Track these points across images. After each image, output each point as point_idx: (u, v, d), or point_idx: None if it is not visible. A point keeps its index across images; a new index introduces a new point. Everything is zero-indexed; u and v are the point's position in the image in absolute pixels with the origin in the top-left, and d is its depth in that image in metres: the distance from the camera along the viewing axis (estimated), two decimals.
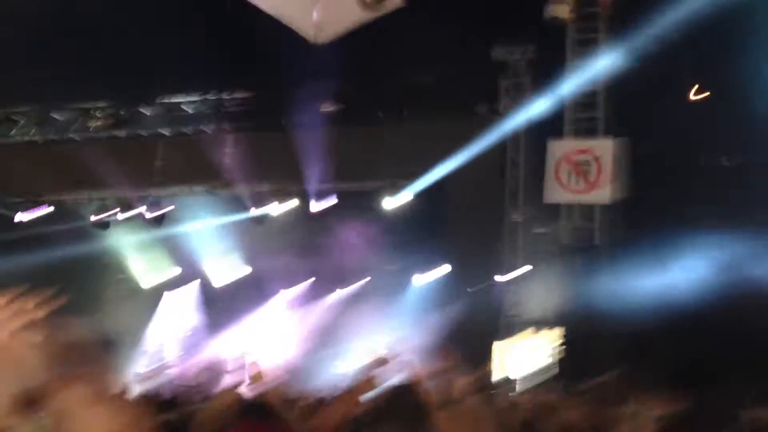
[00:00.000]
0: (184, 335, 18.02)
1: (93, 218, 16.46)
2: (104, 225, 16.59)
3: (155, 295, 18.76)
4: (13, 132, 15.68)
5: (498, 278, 13.33)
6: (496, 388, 12.24)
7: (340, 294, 17.95)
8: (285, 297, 18.32)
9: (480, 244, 13.47)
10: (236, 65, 13.27)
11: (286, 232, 16.32)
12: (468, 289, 12.95)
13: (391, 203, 14.73)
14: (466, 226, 13.50)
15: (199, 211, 16.63)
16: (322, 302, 17.85)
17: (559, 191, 11.70)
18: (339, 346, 16.18)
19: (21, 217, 16.15)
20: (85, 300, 14.38)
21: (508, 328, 13.29)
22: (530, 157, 13.21)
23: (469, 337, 12.36)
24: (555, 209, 12.60)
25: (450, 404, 3.01)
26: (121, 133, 15.55)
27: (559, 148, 11.96)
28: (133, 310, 18.01)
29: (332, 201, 15.25)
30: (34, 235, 15.57)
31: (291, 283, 18.23)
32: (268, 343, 17.23)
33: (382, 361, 3.91)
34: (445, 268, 15.89)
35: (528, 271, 13.15)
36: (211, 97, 15.05)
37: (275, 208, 15.67)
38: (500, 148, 13.34)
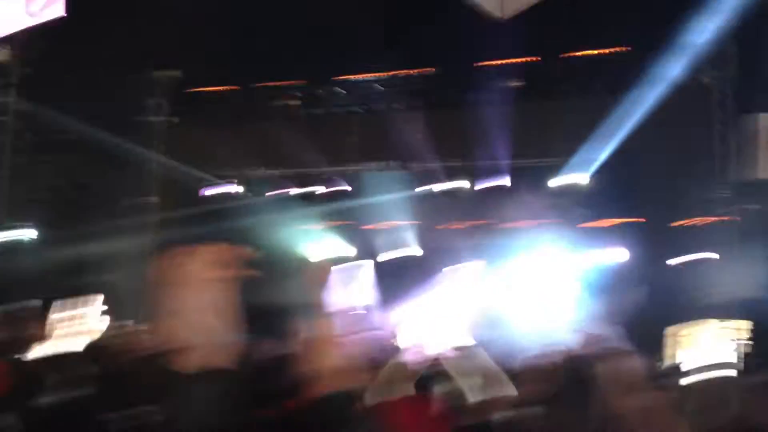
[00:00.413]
0: (356, 311, 18.54)
1: (275, 193, 17.37)
2: (288, 200, 17.51)
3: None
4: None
5: (682, 260, 12.78)
6: (668, 376, 11.68)
7: (508, 271, 17.79)
8: (456, 273, 18.41)
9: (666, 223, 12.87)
10: (418, 41, 13.43)
11: (462, 208, 16.39)
12: (668, 262, 12.31)
13: (566, 180, 14.40)
14: (654, 202, 12.91)
15: (378, 187, 16.97)
16: (492, 279, 17.77)
17: None
18: (511, 324, 16.05)
19: (207, 192, 17.01)
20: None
21: (688, 312, 12.74)
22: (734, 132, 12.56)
23: (646, 321, 11.92)
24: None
25: (634, 390, 2.93)
26: (318, 111, 16.28)
27: None
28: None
29: (505, 179, 15.16)
30: (218, 210, 16.37)
31: (462, 259, 18.30)
32: (438, 320, 17.45)
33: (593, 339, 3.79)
34: (623, 252, 15.36)
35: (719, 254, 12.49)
36: (397, 74, 15.37)
37: (455, 185, 15.79)
38: (704, 123, 12.73)
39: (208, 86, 16.60)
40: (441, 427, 2.93)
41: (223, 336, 1.66)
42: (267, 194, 17.25)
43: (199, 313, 1.61)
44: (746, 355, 11.45)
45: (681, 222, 12.98)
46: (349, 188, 16.87)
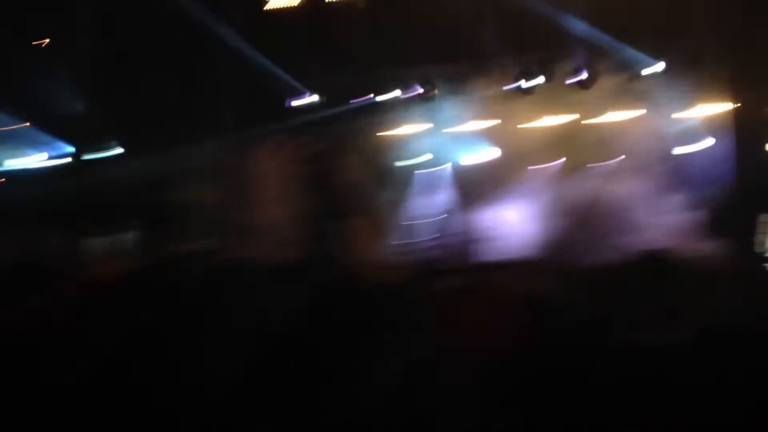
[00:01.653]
0: (438, 214, 18.37)
1: (357, 101, 17.10)
2: (371, 106, 17.25)
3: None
4: None
5: None
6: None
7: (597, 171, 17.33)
8: (537, 174, 18.07)
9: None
10: None
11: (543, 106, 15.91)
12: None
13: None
14: None
15: (455, 89, 16.55)
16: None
17: None
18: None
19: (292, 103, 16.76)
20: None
21: None
22: None
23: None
24: None
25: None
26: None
27: None
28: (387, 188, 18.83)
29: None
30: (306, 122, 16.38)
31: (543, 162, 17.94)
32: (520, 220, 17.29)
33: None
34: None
35: None
36: None
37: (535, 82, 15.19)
38: None
39: None
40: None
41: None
42: (349, 102, 17.08)
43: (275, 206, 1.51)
44: None
45: None
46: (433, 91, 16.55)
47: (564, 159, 17.77)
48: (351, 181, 14.10)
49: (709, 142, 15.66)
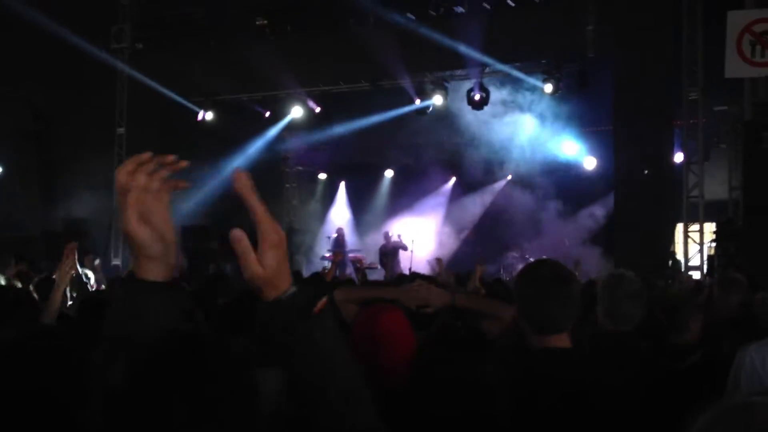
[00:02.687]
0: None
1: (267, 114, 17.08)
2: (275, 119, 17.16)
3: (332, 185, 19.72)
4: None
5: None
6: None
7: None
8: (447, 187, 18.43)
9: (655, 124, 12.68)
10: None
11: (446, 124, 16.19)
12: (645, 171, 12.30)
13: (549, 89, 14.18)
14: (635, 108, 12.68)
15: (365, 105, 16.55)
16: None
17: (741, 65, 10.67)
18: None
19: (202, 115, 16.86)
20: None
21: (690, 210, 12.83)
22: (707, 31, 12.23)
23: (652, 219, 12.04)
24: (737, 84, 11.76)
25: None
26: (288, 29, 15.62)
27: (741, 19, 10.85)
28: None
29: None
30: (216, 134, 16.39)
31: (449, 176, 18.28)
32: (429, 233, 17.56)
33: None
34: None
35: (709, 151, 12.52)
36: None
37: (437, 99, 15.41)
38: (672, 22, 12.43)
39: (172, 9, 15.94)
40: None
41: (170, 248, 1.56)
42: (267, 114, 17.12)
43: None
44: None
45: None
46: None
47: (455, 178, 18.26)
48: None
49: (591, 161, 16.37)
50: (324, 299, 1.49)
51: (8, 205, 14.45)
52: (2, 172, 15.37)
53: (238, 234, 1.44)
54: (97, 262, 9.49)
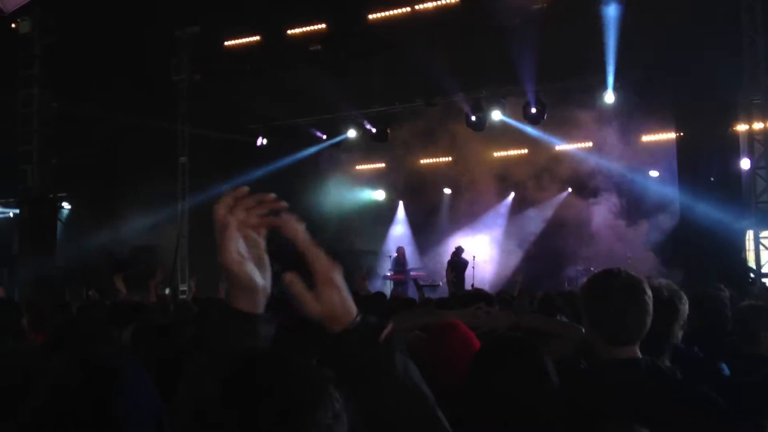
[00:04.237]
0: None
1: (324, 137, 17.33)
2: (335, 143, 17.44)
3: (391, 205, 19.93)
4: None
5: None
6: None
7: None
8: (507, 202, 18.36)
9: (717, 130, 12.40)
10: None
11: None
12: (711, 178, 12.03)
13: (610, 97, 14.02)
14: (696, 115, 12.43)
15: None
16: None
17: None
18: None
19: (261, 141, 17.41)
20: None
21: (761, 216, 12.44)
22: None
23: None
24: None
25: None
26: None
27: None
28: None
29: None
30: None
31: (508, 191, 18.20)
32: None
33: None
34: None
35: None
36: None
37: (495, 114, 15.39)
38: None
39: (228, 40, 16.33)
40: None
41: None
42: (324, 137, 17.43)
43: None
44: None
45: None
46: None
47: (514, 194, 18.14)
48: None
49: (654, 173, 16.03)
50: (390, 326, 1.53)
51: (76, 234, 14.96)
52: (71, 207, 16.00)
53: (290, 277, 1.52)
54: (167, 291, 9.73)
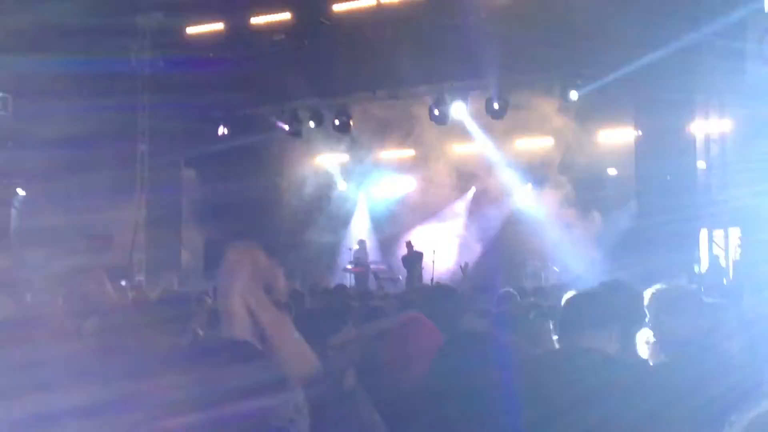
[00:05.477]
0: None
1: (286, 127, 17.14)
2: (297, 133, 17.21)
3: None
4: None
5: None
6: None
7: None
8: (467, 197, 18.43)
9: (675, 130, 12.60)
10: None
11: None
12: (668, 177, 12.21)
13: (574, 94, 14.15)
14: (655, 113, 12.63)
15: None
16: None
17: None
18: None
19: (222, 130, 17.08)
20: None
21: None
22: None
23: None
24: None
25: None
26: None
27: None
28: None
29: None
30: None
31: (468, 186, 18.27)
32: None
33: None
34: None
35: None
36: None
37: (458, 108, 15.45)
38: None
39: (191, 27, 16.12)
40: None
41: None
42: (286, 127, 17.13)
43: None
44: None
45: None
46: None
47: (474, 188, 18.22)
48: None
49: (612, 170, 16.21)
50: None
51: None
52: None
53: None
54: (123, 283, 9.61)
